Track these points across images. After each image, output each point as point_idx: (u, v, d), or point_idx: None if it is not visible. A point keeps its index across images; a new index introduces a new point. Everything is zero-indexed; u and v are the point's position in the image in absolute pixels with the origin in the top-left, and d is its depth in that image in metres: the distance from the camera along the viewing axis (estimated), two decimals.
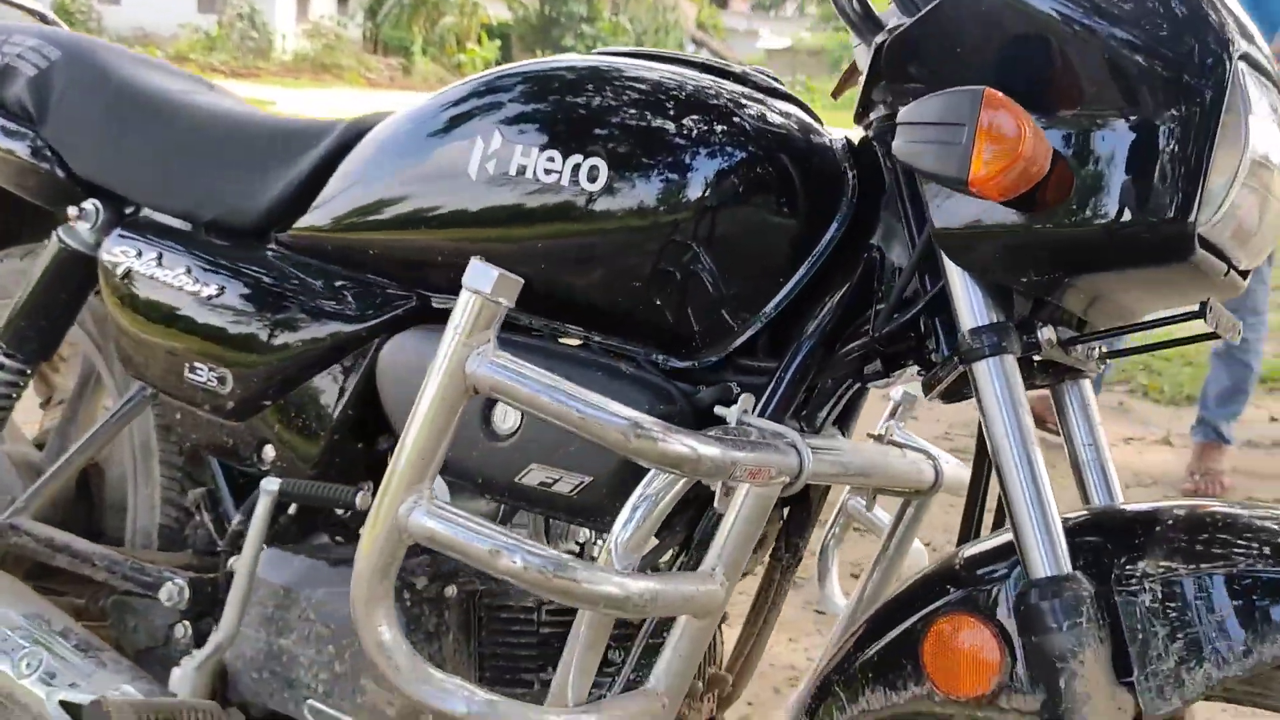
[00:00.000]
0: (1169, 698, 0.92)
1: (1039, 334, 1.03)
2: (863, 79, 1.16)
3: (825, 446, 1.12)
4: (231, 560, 1.39)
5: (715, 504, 1.06)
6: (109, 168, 1.55)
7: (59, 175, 1.59)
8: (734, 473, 0.93)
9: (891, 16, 1.06)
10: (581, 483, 1.15)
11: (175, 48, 22.65)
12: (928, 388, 1.16)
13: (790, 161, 1.17)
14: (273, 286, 1.40)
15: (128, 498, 1.64)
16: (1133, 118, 0.93)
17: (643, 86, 1.21)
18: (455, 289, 1.29)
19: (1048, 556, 0.96)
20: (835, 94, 1.29)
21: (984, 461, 1.28)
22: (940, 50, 0.98)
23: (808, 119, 1.23)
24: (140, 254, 1.48)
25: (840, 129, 1.27)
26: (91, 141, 1.56)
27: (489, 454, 1.18)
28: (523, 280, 0.86)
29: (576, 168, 1.18)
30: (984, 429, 1.01)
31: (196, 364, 1.42)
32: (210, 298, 1.41)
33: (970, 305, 1.01)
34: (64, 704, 1.34)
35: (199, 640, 1.41)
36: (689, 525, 1.13)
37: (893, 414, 1.51)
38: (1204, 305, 0.99)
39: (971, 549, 1.12)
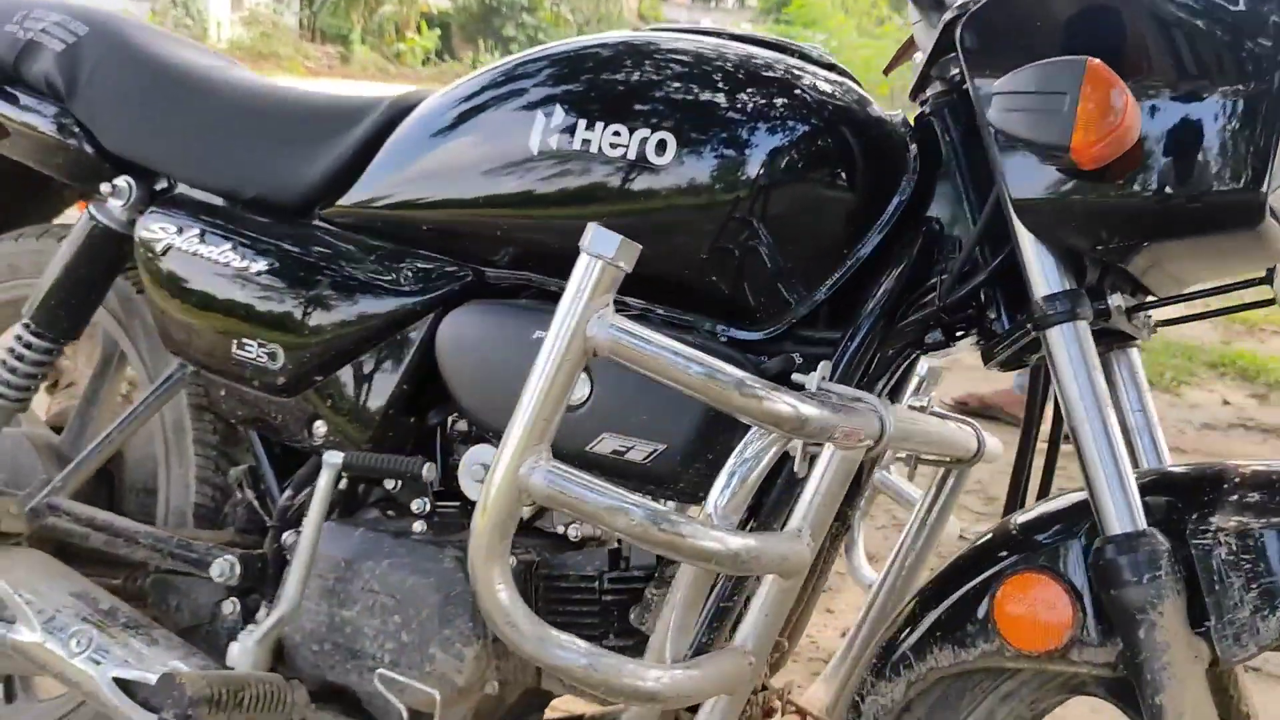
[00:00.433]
0: (1245, 644, 0.97)
1: (1109, 300, 1.07)
2: (921, 55, 1.19)
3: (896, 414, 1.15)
4: (287, 535, 1.40)
5: (795, 468, 1.09)
6: (145, 144, 1.54)
7: (88, 152, 1.57)
8: (833, 433, 0.96)
9: None
10: (654, 450, 1.18)
11: None
12: (987, 356, 1.20)
13: (853, 135, 1.20)
14: (323, 262, 1.40)
15: (159, 478, 1.64)
16: (1207, 89, 0.97)
17: (705, 61, 1.23)
18: (513, 264, 1.32)
19: (1123, 514, 1.00)
20: (887, 70, 1.32)
21: (1030, 432, 1.33)
22: (1021, 24, 1.02)
23: (864, 94, 1.27)
24: (181, 230, 1.48)
25: None
26: (126, 117, 1.54)
27: (560, 423, 1.20)
28: (640, 246, 0.88)
29: (644, 141, 1.20)
30: (1059, 393, 1.04)
31: (245, 340, 1.42)
32: (260, 273, 1.42)
33: (1043, 272, 1.05)
34: (118, 680, 1.33)
35: (247, 616, 1.41)
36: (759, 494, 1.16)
37: (918, 388, 1.55)
38: (1270, 272, 1.03)
39: (1032, 513, 1.16)
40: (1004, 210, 1.06)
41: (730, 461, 1.00)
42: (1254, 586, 0.97)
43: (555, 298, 1.29)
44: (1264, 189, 0.96)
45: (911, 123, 1.26)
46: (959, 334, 1.22)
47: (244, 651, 1.31)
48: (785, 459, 1.10)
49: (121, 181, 1.55)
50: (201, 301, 1.45)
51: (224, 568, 1.38)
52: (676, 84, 1.22)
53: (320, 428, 1.40)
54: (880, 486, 1.60)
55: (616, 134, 1.21)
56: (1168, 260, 1.07)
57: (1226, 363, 5.28)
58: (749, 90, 1.20)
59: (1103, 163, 0.94)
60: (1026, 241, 1.05)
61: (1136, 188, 0.98)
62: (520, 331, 1.25)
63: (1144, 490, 1.04)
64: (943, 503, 1.46)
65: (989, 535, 1.17)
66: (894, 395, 1.29)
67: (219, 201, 1.53)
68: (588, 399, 1.19)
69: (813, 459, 1.10)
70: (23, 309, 1.61)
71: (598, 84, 1.25)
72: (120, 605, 1.43)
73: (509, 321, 1.27)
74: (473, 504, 1.38)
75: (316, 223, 1.46)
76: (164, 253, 1.48)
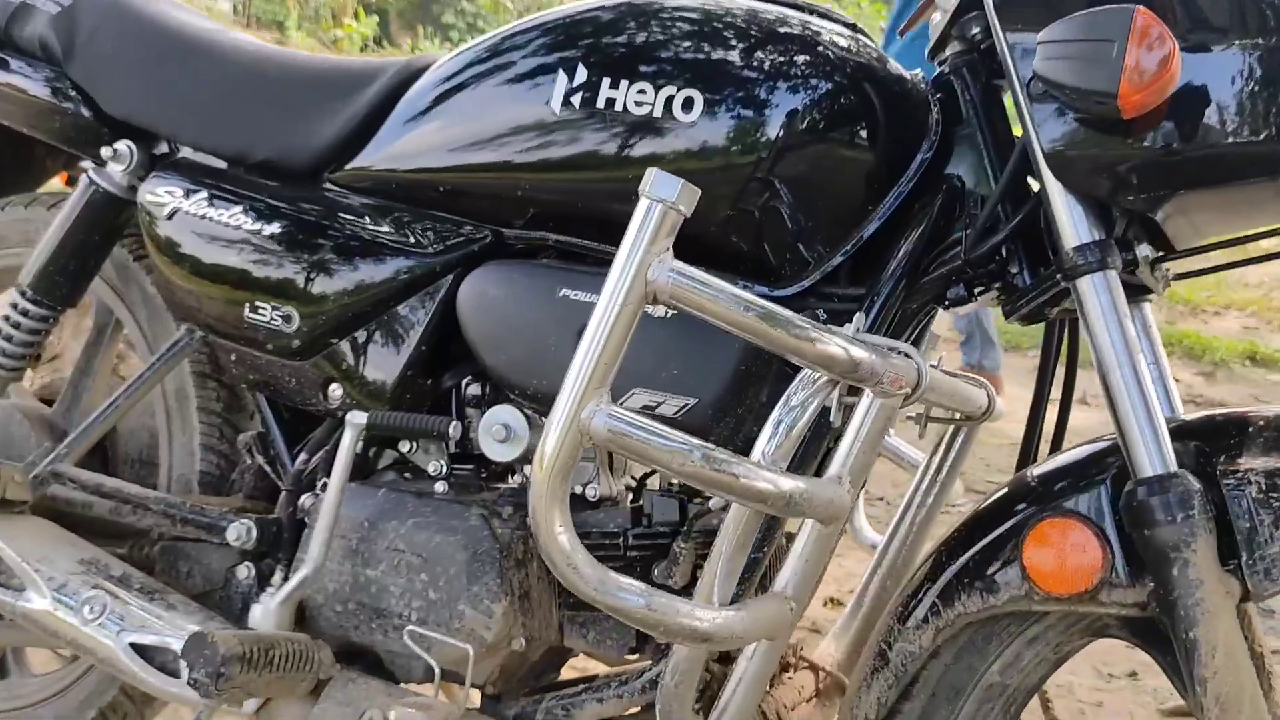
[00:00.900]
0: (1276, 579, 1.00)
1: (1136, 251, 1.10)
2: (940, 14, 1.21)
3: None
4: (305, 498, 1.39)
5: (831, 418, 1.11)
6: (148, 107, 1.51)
7: (86, 115, 1.55)
8: (880, 379, 0.97)
9: None
10: (685, 405, 1.19)
11: None
12: (1009, 310, 1.23)
13: (876, 91, 1.22)
14: (337, 225, 1.40)
15: (161, 447, 1.62)
16: (1240, 39, 0.99)
17: (730, 18, 1.24)
18: (532, 224, 1.32)
19: (1154, 457, 1.02)
20: (903, 31, 1.34)
21: (1044, 387, 1.36)
22: None
23: (882, 52, 1.28)
24: (188, 194, 1.46)
25: None
26: (128, 80, 1.52)
27: None
28: (700, 191, 0.89)
29: (670, 99, 1.21)
30: (1090, 342, 1.07)
31: (258, 304, 1.40)
32: (273, 236, 1.40)
33: (1073, 223, 1.07)
34: (134, 646, 1.32)
35: (261, 580, 1.40)
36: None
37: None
38: None
39: (1051, 463, 1.18)
40: (1033, 163, 1.08)
41: (776, 410, 1.01)
42: None
43: (577, 257, 1.32)
44: None
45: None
46: (979, 289, 1.25)
47: (266, 613, 1.30)
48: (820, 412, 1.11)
49: (122, 145, 1.53)
50: (212, 265, 1.44)
51: (240, 532, 1.37)
52: (701, 41, 1.23)
53: (336, 391, 1.39)
54: (881, 450, 1.62)
55: (642, 92, 1.22)
56: (1194, 211, 1.10)
57: (1173, 342, 5.42)
58: (773, 47, 1.21)
59: (1144, 110, 0.96)
60: (1056, 193, 1.07)
61: (1170, 137, 1.01)
62: (547, 290, 1.25)
63: (1174, 435, 1.07)
64: (952, 461, 1.49)
65: (1007, 486, 1.20)
66: None
67: (223, 165, 1.51)
68: None
69: (847, 411, 1.12)
70: (19, 277, 1.58)
71: (620, 42, 1.25)
72: (133, 571, 1.41)
73: (535, 281, 1.27)
74: (488, 464, 1.39)
75: (326, 186, 1.45)
76: (170, 216, 1.46)
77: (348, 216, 1.40)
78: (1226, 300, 6.59)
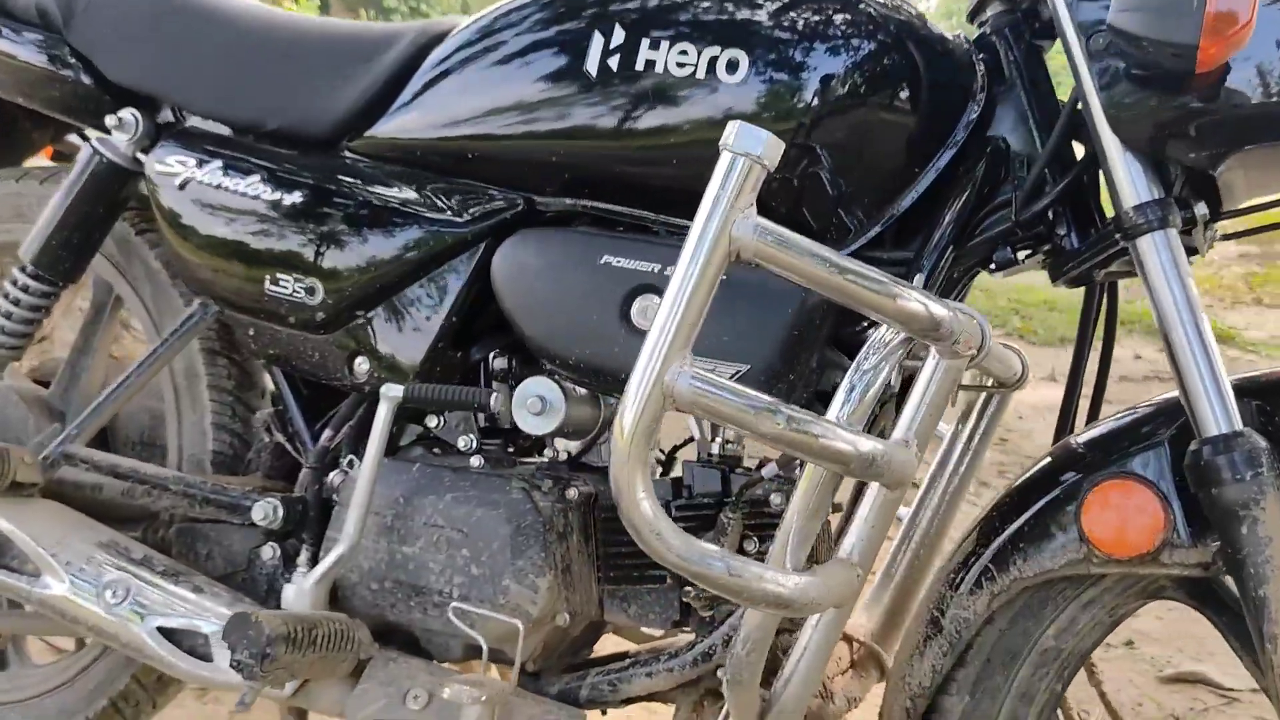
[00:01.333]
0: None
1: (1194, 209, 1.09)
2: None
3: None
4: (333, 475, 1.35)
5: (892, 382, 1.09)
6: (155, 75, 1.46)
7: (87, 84, 1.49)
8: (956, 337, 0.96)
9: None
10: (737, 372, 1.16)
11: None
12: (1055, 274, 1.22)
13: (920, 52, 1.20)
14: (361, 194, 1.36)
15: (169, 427, 1.57)
16: None
17: None
18: (566, 190, 1.29)
19: (1220, 415, 1.02)
20: None
21: (1082, 352, 1.35)
22: None
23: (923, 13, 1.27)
24: (201, 164, 1.41)
25: None
26: (133, 47, 1.47)
27: (632, 349, 1.18)
28: (784, 144, 0.87)
29: (713, 60, 1.18)
30: (1151, 301, 1.06)
31: (280, 276, 1.36)
32: (293, 206, 1.36)
33: (1131, 182, 1.06)
34: (161, 630, 1.28)
35: (286, 561, 1.36)
36: None
37: None
38: None
39: (1100, 428, 1.18)
40: (1088, 121, 1.07)
41: (849, 375, 0.99)
42: None
43: (614, 224, 1.29)
44: None
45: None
46: (1026, 252, 1.24)
47: (300, 593, 1.26)
48: None
49: (127, 114, 1.47)
50: (228, 237, 1.39)
51: (267, 511, 1.33)
52: (744, 2, 1.20)
53: (362, 365, 1.36)
54: None
55: (684, 53, 1.19)
56: (1252, 168, 1.09)
57: (1134, 320, 5.49)
58: (818, 6, 1.19)
59: (1218, 63, 0.95)
60: (1115, 151, 1.06)
61: (1238, 91, 1.00)
62: (589, 258, 1.22)
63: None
64: (984, 430, 1.48)
65: (1053, 452, 1.20)
66: None
67: (233, 134, 1.46)
68: None
69: (908, 377, 1.10)
70: (19, 252, 1.52)
71: (659, 3, 1.22)
72: (154, 554, 1.36)
73: (576, 248, 1.24)
74: (517, 439, 1.36)
75: (345, 154, 1.40)
76: (182, 187, 1.41)
77: (373, 185, 1.36)
78: None
